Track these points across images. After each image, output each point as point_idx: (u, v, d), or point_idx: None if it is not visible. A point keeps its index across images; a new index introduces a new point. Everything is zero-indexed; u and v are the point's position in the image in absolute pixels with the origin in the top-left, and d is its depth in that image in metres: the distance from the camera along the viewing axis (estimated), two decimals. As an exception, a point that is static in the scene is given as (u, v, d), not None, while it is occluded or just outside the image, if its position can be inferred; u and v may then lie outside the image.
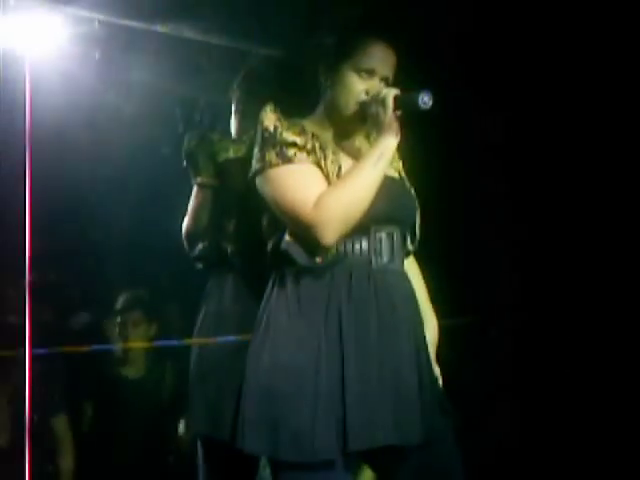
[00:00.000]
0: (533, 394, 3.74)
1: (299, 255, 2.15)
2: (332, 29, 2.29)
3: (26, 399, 3.04)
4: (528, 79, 3.60)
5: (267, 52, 3.01)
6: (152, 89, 3.43)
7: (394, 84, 2.24)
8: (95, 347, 3.71)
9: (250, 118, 2.49)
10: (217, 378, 2.48)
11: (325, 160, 2.18)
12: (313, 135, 2.21)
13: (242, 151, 2.50)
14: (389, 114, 2.15)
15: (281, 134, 2.17)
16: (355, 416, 2.08)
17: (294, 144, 2.16)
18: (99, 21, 3.19)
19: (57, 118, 3.24)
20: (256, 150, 2.22)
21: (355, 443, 2.07)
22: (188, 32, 3.26)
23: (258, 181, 2.21)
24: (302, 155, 2.16)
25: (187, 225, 2.65)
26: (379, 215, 2.18)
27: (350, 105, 2.22)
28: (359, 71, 2.21)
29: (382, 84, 2.23)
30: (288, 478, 2.11)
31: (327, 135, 2.26)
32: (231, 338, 2.49)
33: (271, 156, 2.17)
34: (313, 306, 2.14)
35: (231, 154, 2.55)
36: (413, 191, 2.36)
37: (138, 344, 3.92)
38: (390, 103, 2.15)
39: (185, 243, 2.66)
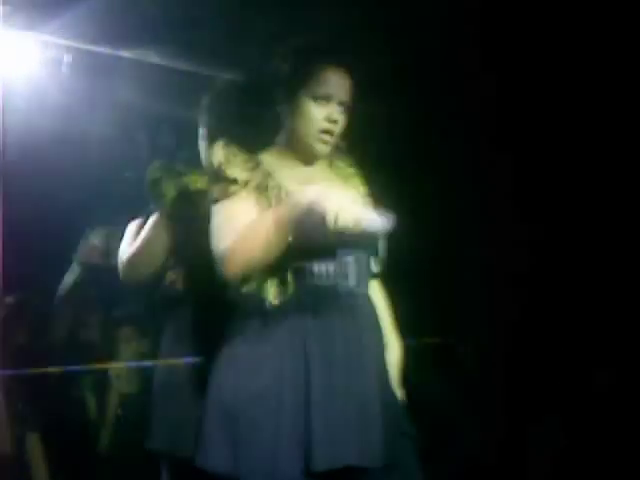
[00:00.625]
0: (502, 414, 3.78)
1: (247, 304, 2.20)
2: (285, 57, 2.31)
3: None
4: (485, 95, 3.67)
5: (234, 76, 3.08)
6: (118, 112, 3.48)
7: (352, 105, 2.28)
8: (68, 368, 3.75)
9: (220, 130, 2.52)
10: (180, 397, 2.53)
11: (272, 195, 2.21)
12: (266, 170, 2.25)
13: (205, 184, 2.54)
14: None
15: (225, 171, 2.22)
16: (319, 437, 2.09)
17: (235, 181, 2.21)
18: (69, 47, 3.27)
19: (26, 140, 3.29)
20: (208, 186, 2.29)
21: (318, 464, 2.09)
22: (154, 57, 3.33)
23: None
24: (243, 192, 2.21)
25: (136, 252, 2.65)
26: (345, 240, 2.20)
27: (310, 132, 2.25)
28: (315, 98, 2.24)
29: (340, 108, 2.27)
30: None
31: (287, 165, 2.29)
32: (194, 358, 2.55)
33: (217, 191, 2.23)
34: (278, 328, 2.17)
35: (199, 185, 2.61)
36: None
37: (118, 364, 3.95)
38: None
39: (127, 268, 2.66)
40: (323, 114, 2.24)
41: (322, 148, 2.28)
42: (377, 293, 2.44)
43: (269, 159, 2.30)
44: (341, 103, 2.27)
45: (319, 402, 2.12)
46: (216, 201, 2.23)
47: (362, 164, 2.51)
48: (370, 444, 2.15)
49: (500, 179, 3.76)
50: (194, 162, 2.69)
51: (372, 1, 3.27)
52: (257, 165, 2.26)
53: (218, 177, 2.23)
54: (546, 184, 3.68)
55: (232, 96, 2.66)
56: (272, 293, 2.18)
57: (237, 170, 2.22)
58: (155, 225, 2.67)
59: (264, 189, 2.22)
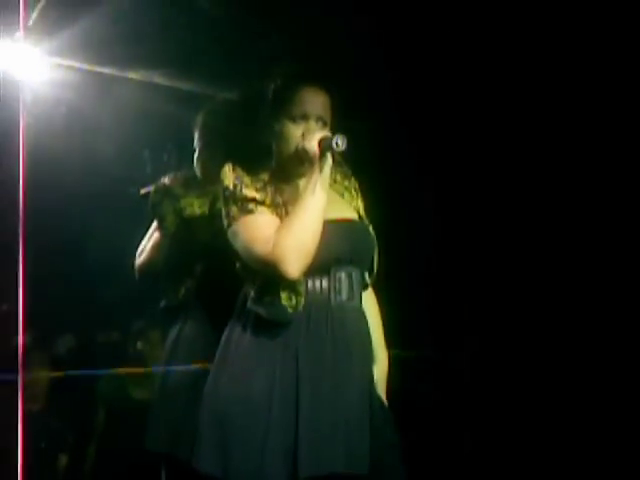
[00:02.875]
0: (489, 424, 3.83)
1: (265, 313, 2.28)
2: (268, 84, 2.42)
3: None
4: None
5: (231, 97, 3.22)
6: (124, 130, 3.63)
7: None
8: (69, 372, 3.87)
9: (214, 156, 2.68)
10: (179, 399, 2.65)
11: (286, 211, 2.30)
12: (275, 189, 2.34)
13: (206, 206, 2.68)
14: (312, 153, 2.26)
15: (241, 191, 2.30)
16: (305, 444, 2.17)
17: (253, 199, 2.29)
18: (74, 67, 3.42)
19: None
20: (222, 208, 2.35)
21: (304, 470, 2.16)
22: (158, 78, 3.48)
23: (229, 237, 2.33)
24: (262, 208, 2.29)
25: (144, 261, 2.87)
26: (339, 257, 2.32)
27: (292, 151, 2.34)
28: (293, 118, 2.34)
29: (319, 124, 2.35)
30: None
31: (285, 183, 2.37)
32: (196, 365, 2.65)
33: (234, 212, 2.30)
34: (271, 340, 2.26)
35: (196, 209, 2.71)
36: (372, 229, 2.46)
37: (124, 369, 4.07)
38: (313, 145, 2.26)
39: (137, 273, 2.89)
40: (300, 132, 2.33)
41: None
42: (370, 303, 2.51)
43: (269, 177, 2.38)
44: (319, 119, 2.36)
45: (307, 410, 2.20)
46: (237, 219, 2.29)
47: (358, 174, 2.60)
48: (356, 452, 2.23)
49: (486, 190, 3.84)
50: (192, 184, 2.79)
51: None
52: (264, 184, 2.35)
53: (235, 198, 2.31)
54: (529, 194, 3.75)
55: (226, 115, 2.77)
56: (288, 303, 2.28)
57: (251, 190, 2.31)
58: (158, 244, 2.85)
59: (278, 205, 2.31)
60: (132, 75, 3.50)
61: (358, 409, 2.28)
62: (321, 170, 2.28)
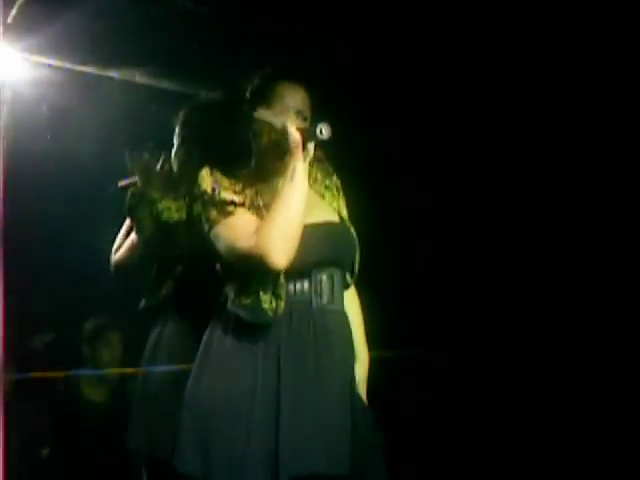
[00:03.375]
0: (471, 421, 3.86)
1: (245, 315, 2.28)
2: (249, 81, 2.44)
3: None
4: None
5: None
6: (105, 129, 3.61)
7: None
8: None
9: (191, 153, 2.69)
10: (160, 398, 2.66)
11: (266, 212, 2.28)
12: (255, 191, 2.33)
13: (183, 210, 2.68)
14: (292, 142, 2.24)
15: (219, 194, 2.30)
16: (286, 445, 2.17)
17: (232, 202, 2.29)
18: (54, 66, 3.40)
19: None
20: (202, 212, 2.33)
21: (286, 472, 2.17)
22: (140, 77, 3.47)
23: (211, 240, 2.32)
24: (242, 209, 2.29)
25: (120, 259, 2.91)
26: (320, 259, 2.32)
27: (271, 144, 2.33)
28: (273, 111, 2.35)
29: (299, 118, 2.36)
30: None
31: (265, 179, 2.36)
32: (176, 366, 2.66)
33: (214, 215, 2.29)
34: (252, 342, 2.26)
35: (173, 214, 2.72)
36: (353, 230, 2.45)
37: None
38: (292, 134, 2.24)
39: (113, 270, 2.94)
40: (280, 124, 2.31)
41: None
42: (352, 305, 2.51)
43: (248, 178, 2.37)
44: (299, 113, 2.37)
45: (288, 412, 2.21)
46: (218, 222, 2.28)
47: (340, 171, 2.59)
48: (337, 453, 2.24)
49: (469, 187, 3.86)
50: (168, 189, 2.78)
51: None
52: (243, 186, 2.34)
53: (214, 201, 2.30)
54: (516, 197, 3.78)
55: (204, 114, 2.78)
56: (269, 306, 2.27)
57: (229, 192, 2.31)
58: (134, 244, 2.87)
59: (257, 207, 2.30)
60: (113, 74, 3.48)
61: (339, 411, 2.28)
62: (303, 159, 2.26)
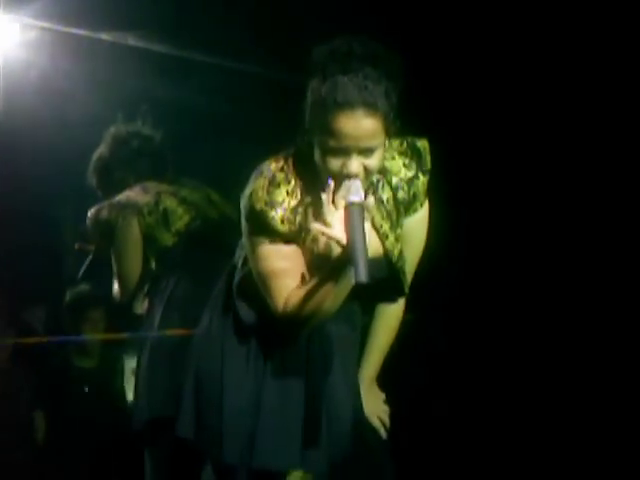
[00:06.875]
0: (468, 393, 3.85)
1: (246, 316, 2.24)
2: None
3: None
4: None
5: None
6: (98, 94, 3.58)
7: None
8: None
9: None
10: (166, 367, 2.71)
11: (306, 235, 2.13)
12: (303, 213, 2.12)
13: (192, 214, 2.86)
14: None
15: (271, 219, 2.08)
16: (262, 436, 2.17)
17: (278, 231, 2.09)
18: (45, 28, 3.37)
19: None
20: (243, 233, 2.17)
21: (258, 460, 2.16)
22: (132, 40, 3.43)
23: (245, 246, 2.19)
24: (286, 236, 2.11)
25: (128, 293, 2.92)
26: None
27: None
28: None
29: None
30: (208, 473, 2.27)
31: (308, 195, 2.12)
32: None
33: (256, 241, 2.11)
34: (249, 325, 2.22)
35: (186, 219, 2.87)
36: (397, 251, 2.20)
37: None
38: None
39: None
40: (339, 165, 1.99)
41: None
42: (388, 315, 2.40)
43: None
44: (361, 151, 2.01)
45: (268, 404, 2.20)
46: (259, 244, 2.13)
47: None
48: (312, 451, 2.22)
49: (472, 191, 3.81)
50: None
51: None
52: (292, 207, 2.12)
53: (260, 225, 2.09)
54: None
55: None
56: None
57: (278, 221, 2.09)
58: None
59: (302, 228, 2.12)
60: (106, 37, 3.44)
61: (319, 406, 2.25)
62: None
